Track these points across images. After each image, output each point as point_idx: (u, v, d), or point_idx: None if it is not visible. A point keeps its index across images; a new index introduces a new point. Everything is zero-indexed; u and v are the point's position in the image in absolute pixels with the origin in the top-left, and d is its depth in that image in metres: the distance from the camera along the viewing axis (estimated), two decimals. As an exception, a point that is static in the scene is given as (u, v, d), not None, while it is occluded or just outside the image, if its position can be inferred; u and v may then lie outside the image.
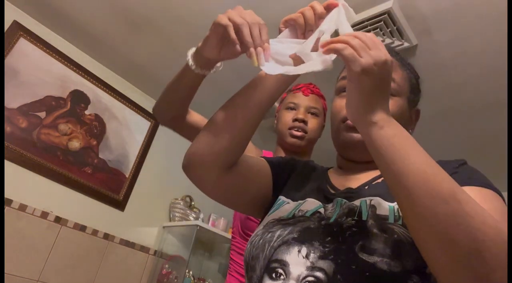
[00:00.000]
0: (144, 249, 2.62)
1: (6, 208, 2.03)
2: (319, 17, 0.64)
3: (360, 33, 0.54)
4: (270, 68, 0.60)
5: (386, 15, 1.66)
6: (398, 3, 1.66)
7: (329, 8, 0.64)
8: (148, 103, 2.83)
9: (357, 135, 0.70)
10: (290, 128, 1.26)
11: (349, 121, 0.70)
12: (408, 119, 0.76)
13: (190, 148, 0.69)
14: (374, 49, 0.52)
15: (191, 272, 2.59)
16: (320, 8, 0.64)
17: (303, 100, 1.29)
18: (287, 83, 0.70)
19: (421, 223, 0.46)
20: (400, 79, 0.74)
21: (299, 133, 1.25)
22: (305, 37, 0.64)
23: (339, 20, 0.61)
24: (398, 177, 0.49)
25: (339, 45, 0.52)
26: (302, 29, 0.64)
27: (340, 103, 0.74)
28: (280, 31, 0.67)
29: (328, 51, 0.54)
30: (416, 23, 1.73)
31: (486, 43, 1.76)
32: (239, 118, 0.67)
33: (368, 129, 0.53)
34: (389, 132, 0.52)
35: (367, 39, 0.53)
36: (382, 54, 0.52)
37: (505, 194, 0.69)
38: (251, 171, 0.74)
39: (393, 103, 0.72)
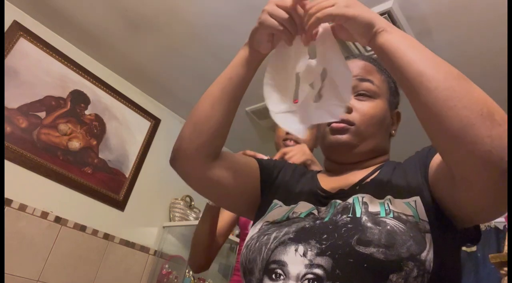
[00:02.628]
0: (144, 249, 2.63)
1: (6, 208, 2.03)
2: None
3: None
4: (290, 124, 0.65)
5: (386, 15, 1.67)
6: (398, 3, 1.66)
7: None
8: (148, 103, 2.84)
9: (341, 137, 0.73)
10: (284, 140, 1.32)
11: (333, 125, 0.73)
12: (390, 120, 0.79)
13: (175, 143, 0.73)
14: None
15: (191, 272, 2.59)
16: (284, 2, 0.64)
17: None
18: (256, 68, 0.73)
19: (435, 95, 0.50)
20: (378, 82, 0.77)
21: (291, 143, 1.29)
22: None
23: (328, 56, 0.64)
24: (411, 63, 0.53)
25: (312, 19, 0.59)
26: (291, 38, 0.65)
27: None
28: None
29: (312, 30, 0.61)
30: (416, 23, 1.74)
31: (486, 44, 1.76)
32: (216, 110, 0.71)
33: (381, 36, 0.58)
34: (398, 33, 0.58)
35: None
36: None
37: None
38: (236, 165, 0.77)
39: (375, 105, 0.75)
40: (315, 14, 0.59)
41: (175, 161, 0.73)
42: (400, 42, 0.57)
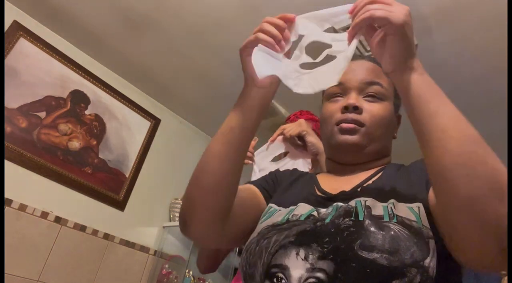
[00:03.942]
0: (144, 249, 2.62)
1: (6, 208, 2.03)
2: (281, 27, 0.62)
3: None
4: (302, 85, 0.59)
5: (386, 15, 1.66)
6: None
7: (287, 21, 0.63)
8: (148, 103, 2.84)
9: (351, 138, 0.72)
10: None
11: (344, 124, 0.72)
12: (394, 123, 0.79)
13: (184, 209, 0.67)
14: (392, 3, 0.56)
15: (191, 272, 2.59)
16: (278, 21, 0.62)
17: None
18: (265, 108, 0.67)
19: (450, 160, 0.49)
20: (386, 84, 0.77)
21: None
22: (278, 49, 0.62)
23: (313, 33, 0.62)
24: (434, 116, 0.52)
25: (366, 14, 0.55)
26: (271, 43, 0.61)
27: (332, 108, 0.76)
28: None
29: (358, 26, 0.56)
30: (416, 23, 1.73)
31: (486, 43, 1.76)
32: (226, 169, 0.64)
33: (410, 73, 0.57)
34: (428, 78, 0.57)
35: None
36: (403, 5, 0.56)
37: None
38: (245, 206, 0.72)
39: (384, 107, 0.74)
40: (370, 11, 0.55)
41: (188, 228, 0.67)
42: (428, 89, 0.55)
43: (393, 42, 0.56)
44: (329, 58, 0.61)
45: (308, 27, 0.63)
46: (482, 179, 0.46)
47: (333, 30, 0.61)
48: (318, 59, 0.63)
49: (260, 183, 0.81)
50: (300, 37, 0.64)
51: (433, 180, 0.52)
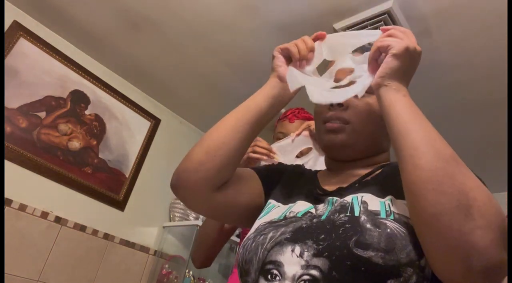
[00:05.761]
0: (144, 249, 2.63)
1: (6, 208, 2.03)
2: (310, 50, 0.73)
3: (392, 31, 0.65)
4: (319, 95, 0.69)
5: (386, 15, 1.66)
6: (398, 3, 1.66)
7: (317, 39, 0.75)
8: (148, 103, 2.84)
9: (336, 137, 0.72)
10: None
11: (328, 124, 0.72)
12: None
13: (180, 165, 0.69)
14: (404, 37, 0.63)
15: (191, 272, 2.59)
16: (310, 42, 0.74)
17: (289, 128, 1.34)
18: (281, 103, 0.74)
19: (419, 174, 0.51)
20: None
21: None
22: (299, 66, 0.74)
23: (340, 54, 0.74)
24: (409, 134, 0.55)
25: (383, 43, 0.64)
26: (296, 58, 0.73)
27: (321, 105, 0.75)
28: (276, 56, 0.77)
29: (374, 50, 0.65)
30: (416, 23, 1.73)
31: (486, 43, 1.76)
32: (229, 138, 0.68)
33: (394, 93, 0.61)
34: (409, 101, 0.60)
35: (399, 31, 0.64)
36: (412, 42, 0.63)
37: (505, 194, 0.70)
38: (240, 183, 0.74)
39: (373, 101, 0.72)
40: (384, 41, 0.64)
41: (178, 188, 0.69)
42: (409, 110, 0.58)
43: (392, 60, 0.62)
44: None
45: (335, 47, 0.74)
46: (448, 195, 0.47)
47: (362, 49, 0.73)
48: (342, 84, 0.71)
49: (260, 170, 0.82)
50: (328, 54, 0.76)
51: (405, 194, 0.54)
